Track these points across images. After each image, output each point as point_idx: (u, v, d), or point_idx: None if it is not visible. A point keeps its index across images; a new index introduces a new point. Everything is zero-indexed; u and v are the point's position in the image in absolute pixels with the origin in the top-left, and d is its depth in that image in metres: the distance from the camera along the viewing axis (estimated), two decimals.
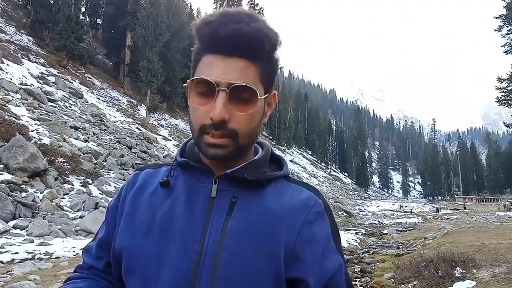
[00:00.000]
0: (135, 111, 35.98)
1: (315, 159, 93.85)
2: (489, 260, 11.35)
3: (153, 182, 1.00)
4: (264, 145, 1.04)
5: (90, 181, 14.68)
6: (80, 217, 12.08)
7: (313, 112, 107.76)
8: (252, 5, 56.55)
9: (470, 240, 16.32)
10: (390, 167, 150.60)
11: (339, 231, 1.01)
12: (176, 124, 41.20)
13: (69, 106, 23.87)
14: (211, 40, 0.87)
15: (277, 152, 1.10)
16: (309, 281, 0.90)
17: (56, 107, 21.91)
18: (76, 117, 21.95)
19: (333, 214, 1.02)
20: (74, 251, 9.21)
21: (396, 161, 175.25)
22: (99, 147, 18.97)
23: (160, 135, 32.24)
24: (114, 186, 15.17)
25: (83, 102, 26.71)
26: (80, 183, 14.29)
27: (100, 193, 14.35)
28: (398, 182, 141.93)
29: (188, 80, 0.90)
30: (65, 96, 25.24)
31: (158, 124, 37.31)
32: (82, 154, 16.48)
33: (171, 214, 0.92)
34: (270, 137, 77.29)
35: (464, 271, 10.63)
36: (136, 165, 18.33)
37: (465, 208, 57.92)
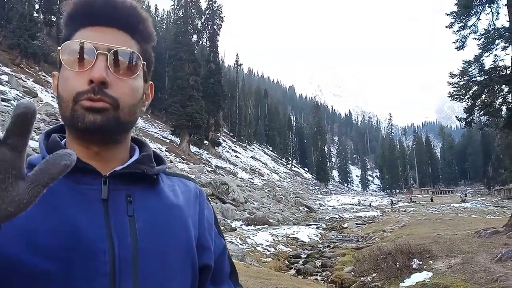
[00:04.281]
0: None
1: (276, 155, 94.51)
2: (444, 251, 11.74)
3: None
4: (142, 142, 0.98)
5: None
6: None
7: (273, 109, 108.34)
8: (210, 2, 56.16)
9: (426, 232, 16.87)
10: (349, 162, 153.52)
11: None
12: (142, 127, 40.39)
13: None
14: (86, 11, 0.81)
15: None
16: (211, 265, 0.94)
17: (10, 106, 21.01)
18: None
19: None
20: None
21: (355, 156, 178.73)
22: None
23: None
24: None
25: (38, 101, 25.74)
26: None
27: None
28: (357, 176, 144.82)
29: (59, 47, 0.82)
30: (18, 96, 24.26)
31: None
32: (36, 155, 15.95)
33: (57, 226, 0.73)
34: (231, 134, 77.20)
35: (421, 263, 11.00)
36: None
37: (432, 200, 57.11)
